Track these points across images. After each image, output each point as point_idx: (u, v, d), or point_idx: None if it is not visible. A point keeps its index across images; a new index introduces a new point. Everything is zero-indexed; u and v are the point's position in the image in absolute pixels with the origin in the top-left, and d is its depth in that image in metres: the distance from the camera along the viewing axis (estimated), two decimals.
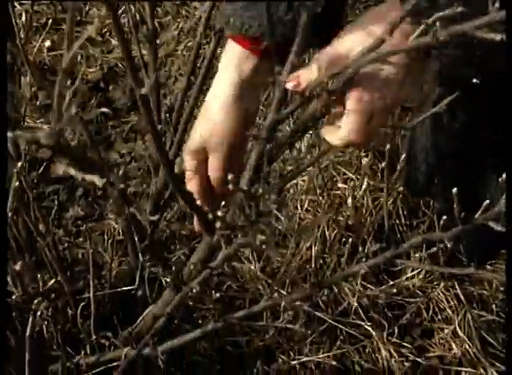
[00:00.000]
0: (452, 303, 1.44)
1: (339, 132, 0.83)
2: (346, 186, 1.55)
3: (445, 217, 0.86)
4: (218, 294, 0.88)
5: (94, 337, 1.15)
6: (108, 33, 2.04)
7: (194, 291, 0.83)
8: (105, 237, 1.50)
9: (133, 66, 0.72)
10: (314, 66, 0.81)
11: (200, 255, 1.02)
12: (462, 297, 1.45)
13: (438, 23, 0.65)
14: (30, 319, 0.78)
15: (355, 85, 0.80)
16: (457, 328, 1.42)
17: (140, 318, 1.16)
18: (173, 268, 1.01)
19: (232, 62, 0.97)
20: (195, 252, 1.05)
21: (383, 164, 1.42)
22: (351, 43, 0.81)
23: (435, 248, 0.86)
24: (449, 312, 1.44)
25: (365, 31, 0.81)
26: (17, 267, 0.76)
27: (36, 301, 0.79)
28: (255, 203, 0.64)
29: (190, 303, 1.25)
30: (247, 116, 0.99)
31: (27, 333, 0.81)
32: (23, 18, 1.82)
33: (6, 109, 0.68)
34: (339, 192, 1.54)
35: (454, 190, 0.77)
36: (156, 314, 1.07)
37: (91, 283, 1.15)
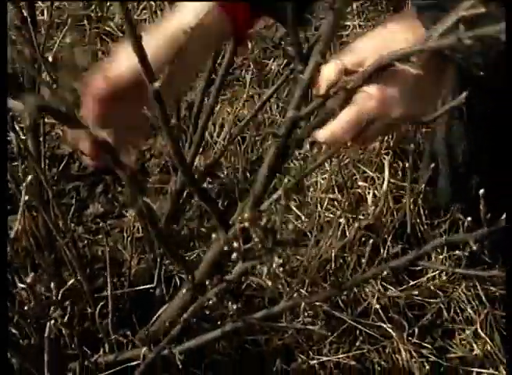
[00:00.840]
0: (473, 303, 1.43)
1: (330, 125, 0.81)
2: (366, 184, 1.54)
3: (469, 219, 0.84)
4: (235, 306, 0.87)
5: (112, 335, 1.15)
6: None
7: (211, 302, 0.83)
8: (125, 234, 1.50)
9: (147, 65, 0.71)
10: (332, 66, 0.80)
11: (212, 256, 1.02)
12: (484, 297, 1.43)
13: (461, 25, 0.63)
14: (48, 324, 0.78)
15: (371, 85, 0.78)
16: (479, 329, 1.40)
17: (155, 317, 1.16)
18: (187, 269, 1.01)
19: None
20: (207, 252, 1.05)
21: (407, 165, 1.40)
22: (369, 47, 0.80)
23: (458, 252, 0.85)
24: (471, 312, 1.42)
25: (382, 37, 0.79)
26: (28, 280, 0.76)
27: (52, 307, 0.79)
28: (272, 234, 0.64)
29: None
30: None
31: (45, 335, 0.81)
32: (45, 15, 1.82)
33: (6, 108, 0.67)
34: (359, 190, 1.53)
35: (481, 191, 0.76)
36: (171, 315, 1.06)
37: (108, 281, 1.15)
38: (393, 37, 0.78)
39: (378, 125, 0.80)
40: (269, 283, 0.66)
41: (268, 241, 0.64)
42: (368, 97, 0.78)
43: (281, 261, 0.63)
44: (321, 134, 0.81)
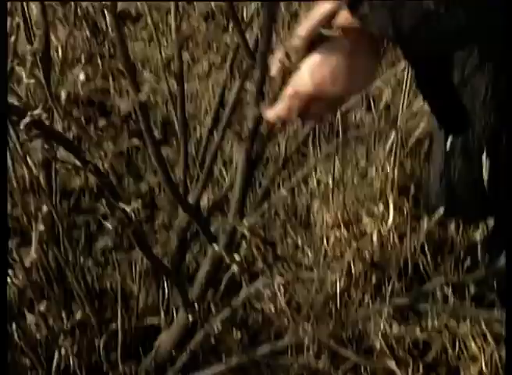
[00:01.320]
0: (478, 341, 1.43)
1: (276, 106, 0.84)
2: (371, 221, 1.55)
3: (469, 258, 0.86)
4: (240, 335, 0.88)
5: (120, 368, 1.16)
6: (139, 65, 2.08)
7: (216, 330, 0.84)
8: (133, 268, 1.51)
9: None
10: (279, 51, 0.83)
11: (207, 269, 1.04)
12: (488, 335, 1.43)
13: None
14: (56, 355, 0.79)
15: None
16: (483, 367, 1.40)
17: (156, 344, 1.17)
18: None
19: None
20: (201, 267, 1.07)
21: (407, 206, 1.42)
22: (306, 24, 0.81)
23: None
24: (476, 350, 1.42)
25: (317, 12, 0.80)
26: (42, 307, 0.78)
27: (61, 338, 0.81)
28: (272, 248, 0.66)
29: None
30: None
31: (53, 368, 0.83)
32: (59, 51, 1.87)
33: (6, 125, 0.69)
34: (367, 229, 1.54)
35: (477, 235, 0.78)
36: (171, 339, 1.08)
37: (119, 314, 1.17)
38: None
39: (320, 103, 0.83)
40: (272, 308, 0.68)
41: (268, 256, 0.66)
42: (305, 78, 0.81)
43: (282, 281, 0.65)
44: (268, 115, 0.86)
